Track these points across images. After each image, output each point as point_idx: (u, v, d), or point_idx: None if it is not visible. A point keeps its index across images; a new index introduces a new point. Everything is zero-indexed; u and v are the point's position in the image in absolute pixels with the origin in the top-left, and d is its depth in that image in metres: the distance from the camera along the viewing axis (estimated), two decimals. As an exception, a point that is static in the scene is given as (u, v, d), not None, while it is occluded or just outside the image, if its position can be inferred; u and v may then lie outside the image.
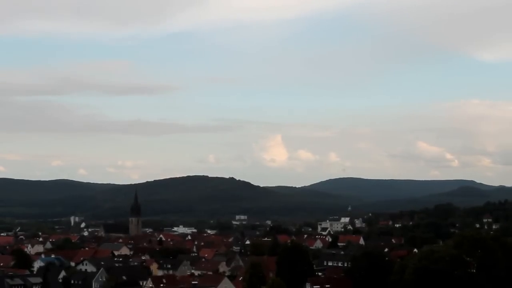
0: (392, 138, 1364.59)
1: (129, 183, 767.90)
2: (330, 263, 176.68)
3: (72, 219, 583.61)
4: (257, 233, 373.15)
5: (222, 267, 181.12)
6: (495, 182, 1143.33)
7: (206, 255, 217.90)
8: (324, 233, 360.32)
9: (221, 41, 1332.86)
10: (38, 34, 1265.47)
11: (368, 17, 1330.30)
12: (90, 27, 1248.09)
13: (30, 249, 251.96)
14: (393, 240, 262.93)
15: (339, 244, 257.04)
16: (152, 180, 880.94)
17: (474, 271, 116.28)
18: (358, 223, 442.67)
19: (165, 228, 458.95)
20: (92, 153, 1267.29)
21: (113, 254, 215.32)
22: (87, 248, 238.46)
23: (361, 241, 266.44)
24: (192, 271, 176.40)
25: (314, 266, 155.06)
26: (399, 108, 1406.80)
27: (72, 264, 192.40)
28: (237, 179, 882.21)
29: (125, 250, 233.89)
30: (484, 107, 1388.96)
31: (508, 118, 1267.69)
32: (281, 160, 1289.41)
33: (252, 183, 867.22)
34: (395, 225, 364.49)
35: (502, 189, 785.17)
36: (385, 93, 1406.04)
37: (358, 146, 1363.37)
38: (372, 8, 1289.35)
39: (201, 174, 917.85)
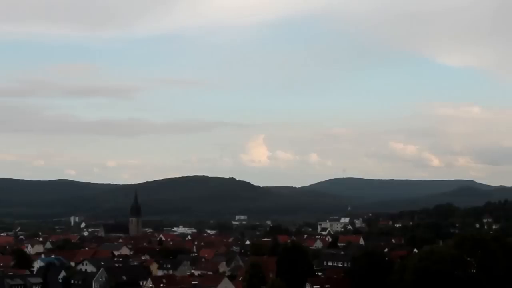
0: (372, 139, 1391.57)
1: (129, 183, 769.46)
2: (330, 263, 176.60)
3: (72, 219, 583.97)
4: (257, 233, 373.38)
5: (222, 267, 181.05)
6: (495, 182, 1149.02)
7: (206, 255, 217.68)
8: (324, 233, 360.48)
9: (189, 44, 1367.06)
10: (4, 37, 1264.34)
11: (341, 20, 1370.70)
12: (57, 31, 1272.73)
13: (30, 249, 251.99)
14: (393, 240, 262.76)
15: (339, 244, 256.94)
16: (152, 180, 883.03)
17: (474, 271, 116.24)
18: (358, 223, 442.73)
19: (165, 228, 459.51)
20: (82, 153, 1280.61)
21: (113, 254, 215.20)
22: (87, 248, 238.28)
23: (361, 241, 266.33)
24: (192, 271, 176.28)
25: (314, 266, 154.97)
26: (372, 110, 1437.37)
27: (72, 264, 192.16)
28: (237, 179, 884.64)
29: (125, 250, 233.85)
30: (449, 109, 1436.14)
31: (477, 119, 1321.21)
32: (263, 160, 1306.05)
33: (252, 183, 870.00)
34: (395, 225, 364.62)
35: (502, 189, 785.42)
36: (355, 94, 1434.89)
37: (338, 146, 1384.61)
38: (345, 11, 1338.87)
39: (201, 174, 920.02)
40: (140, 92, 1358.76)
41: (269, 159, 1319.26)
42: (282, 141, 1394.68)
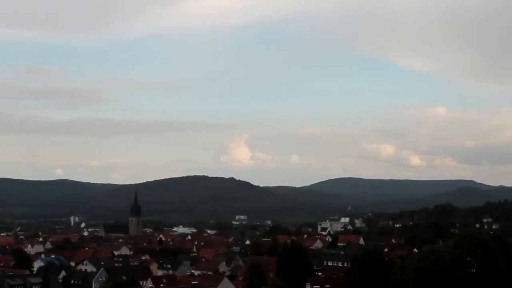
0: (347, 139, 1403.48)
1: (129, 183, 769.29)
2: (330, 263, 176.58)
3: (72, 219, 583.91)
4: (257, 233, 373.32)
5: (222, 267, 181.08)
6: (495, 182, 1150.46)
7: (206, 255, 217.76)
8: (324, 233, 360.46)
9: (165, 46, 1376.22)
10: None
11: (315, 24, 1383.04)
12: (26, 34, 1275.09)
13: (30, 249, 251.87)
14: (393, 240, 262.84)
15: (339, 244, 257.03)
16: (152, 180, 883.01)
17: (474, 271, 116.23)
18: (358, 223, 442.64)
19: (165, 228, 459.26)
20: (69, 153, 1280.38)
21: (113, 254, 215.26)
22: (87, 248, 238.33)
23: (361, 241, 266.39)
24: (192, 271, 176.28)
25: (314, 266, 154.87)
26: (346, 110, 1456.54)
27: (72, 264, 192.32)
28: (237, 179, 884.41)
29: (125, 250, 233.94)
30: (417, 110, 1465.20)
31: (445, 120, 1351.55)
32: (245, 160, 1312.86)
33: (252, 183, 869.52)
34: (395, 225, 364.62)
35: (502, 189, 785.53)
36: (328, 95, 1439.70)
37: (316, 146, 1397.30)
38: (319, 16, 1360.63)
39: (201, 174, 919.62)
40: (120, 94, 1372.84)
41: (251, 159, 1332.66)
42: (262, 141, 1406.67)
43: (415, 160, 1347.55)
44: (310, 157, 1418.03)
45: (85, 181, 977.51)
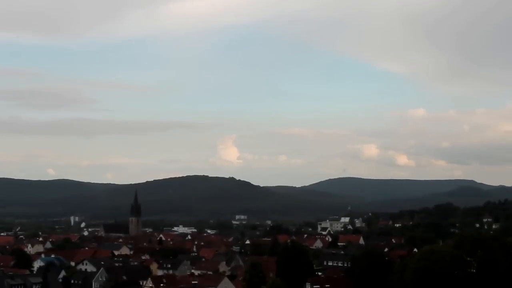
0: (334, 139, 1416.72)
1: (129, 183, 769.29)
2: (330, 263, 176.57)
3: (72, 219, 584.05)
4: (257, 233, 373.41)
5: (222, 267, 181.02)
6: (495, 182, 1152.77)
7: (206, 255, 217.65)
8: (324, 233, 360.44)
9: (141, 51, 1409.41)
10: None
11: (294, 27, 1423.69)
12: (6, 35, 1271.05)
13: (30, 249, 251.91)
14: (393, 240, 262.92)
15: (339, 244, 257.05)
16: (152, 180, 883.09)
17: (474, 271, 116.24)
18: (358, 223, 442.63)
19: (165, 228, 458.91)
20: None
21: (113, 254, 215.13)
22: (87, 248, 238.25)
23: (361, 241, 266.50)
24: (192, 271, 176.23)
25: (314, 266, 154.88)
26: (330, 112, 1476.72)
27: (72, 264, 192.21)
28: (237, 179, 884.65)
29: (125, 250, 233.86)
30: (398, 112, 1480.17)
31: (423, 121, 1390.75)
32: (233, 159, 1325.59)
33: (252, 183, 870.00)
34: (395, 225, 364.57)
35: (502, 189, 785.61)
36: (309, 97, 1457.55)
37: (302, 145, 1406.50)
38: (296, 20, 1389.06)
39: (201, 174, 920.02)
40: (102, 95, 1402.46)
41: (238, 158, 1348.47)
42: (248, 140, 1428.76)
43: (403, 160, 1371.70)
44: (298, 157, 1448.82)
45: (85, 181, 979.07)
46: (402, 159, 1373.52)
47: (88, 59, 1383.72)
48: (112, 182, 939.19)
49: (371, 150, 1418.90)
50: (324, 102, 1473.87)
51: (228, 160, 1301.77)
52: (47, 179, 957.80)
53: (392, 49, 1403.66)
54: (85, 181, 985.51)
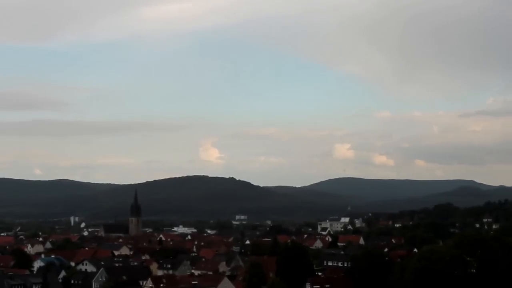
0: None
1: (129, 183, 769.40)
2: (330, 263, 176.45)
3: (72, 219, 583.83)
4: (257, 233, 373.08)
5: (222, 267, 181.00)
6: (495, 182, 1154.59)
7: (206, 255, 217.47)
8: (324, 233, 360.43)
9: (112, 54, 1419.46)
10: None
11: (262, 31, 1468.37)
12: None
13: (30, 249, 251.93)
14: (393, 240, 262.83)
15: (339, 244, 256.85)
16: (152, 180, 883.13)
17: (474, 271, 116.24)
18: (358, 223, 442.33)
19: (165, 228, 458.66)
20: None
21: (113, 254, 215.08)
22: (87, 248, 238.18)
23: (361, 241, 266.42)
24: (192, 271, 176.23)
25: (314, 266, 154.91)
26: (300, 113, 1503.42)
27: (72, 264, 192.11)
28: (237, 179, 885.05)
29: (125, 250, 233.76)
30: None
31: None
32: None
33: (252, 183, 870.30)
34: (395, 225, 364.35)
35: (502, 189, 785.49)
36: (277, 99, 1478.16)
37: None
38: (264, 24, 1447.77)
39: (201, 174, 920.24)
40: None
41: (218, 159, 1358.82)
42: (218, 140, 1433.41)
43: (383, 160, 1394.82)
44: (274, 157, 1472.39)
45: (85, 181, 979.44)
46: (380, 159, 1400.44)
47: (59, 62, 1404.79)
48: (112, 182, 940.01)
49: (344, 150, 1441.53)
50: (293, 104, 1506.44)
51: (208, 160, 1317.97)
52: (47, 179, 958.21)
53: (351, 53, 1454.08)
54: (85, 181, 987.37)
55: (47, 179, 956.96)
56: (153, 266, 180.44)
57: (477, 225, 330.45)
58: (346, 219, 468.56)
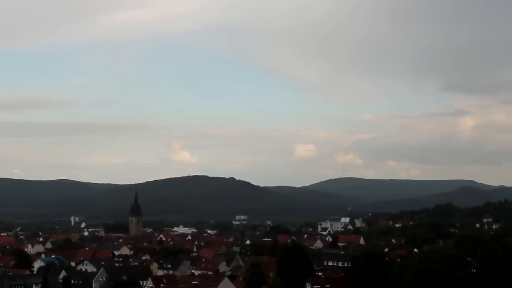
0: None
1: (129, 183, 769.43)
2: (330, 263, 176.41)
3: (72, 219, 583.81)
4: (257, 233, 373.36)
5: (222, 267, 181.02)
6: (495, 182, 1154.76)
7: (206, 255, 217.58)
8: (324, 233, 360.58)
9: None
10: None
11: (222, 38, 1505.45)
12: None
13: (30, 249, 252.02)
14: (393, 240, 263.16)
15: (339, 244, 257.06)
16: (152, 180, 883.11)
17: (474, 271, 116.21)
18: (358, 223, 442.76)
19: (165, 228, 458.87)
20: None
21: (113, 254, 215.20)
22: (87, 248, 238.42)
23: (361, 241, 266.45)
24: (192, 271, 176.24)
25: (314, 266, 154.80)
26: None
27: (72, 264, 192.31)
28: (237, 179, 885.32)
29: (125, 250, 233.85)
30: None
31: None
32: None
33: (252, 183, 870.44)
34: (395, 225, 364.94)
35: (502, 189, 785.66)
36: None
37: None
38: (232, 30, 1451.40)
39: (201, 174, 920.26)
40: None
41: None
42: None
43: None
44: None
45: (85, 181, 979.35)
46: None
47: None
48: (112, 182, 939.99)
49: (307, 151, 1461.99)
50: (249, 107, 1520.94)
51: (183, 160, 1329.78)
52: (47, 179, 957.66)
53: (303, 58, 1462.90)
54: (85, 181, 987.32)
55: (47, 179, 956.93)
56: (153, 266, 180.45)
57: (477, 225, 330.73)
58: (346, 219, 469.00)
